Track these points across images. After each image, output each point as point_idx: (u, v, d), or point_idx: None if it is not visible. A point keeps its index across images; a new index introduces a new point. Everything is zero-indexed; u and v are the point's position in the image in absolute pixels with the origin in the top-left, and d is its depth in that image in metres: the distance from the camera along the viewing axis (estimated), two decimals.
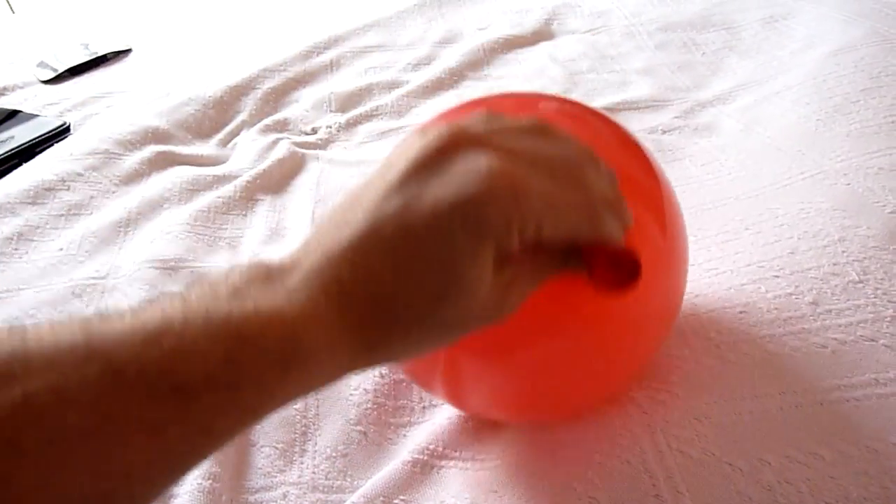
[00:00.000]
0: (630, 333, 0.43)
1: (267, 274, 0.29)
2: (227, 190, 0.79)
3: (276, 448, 0.51)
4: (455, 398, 0.48)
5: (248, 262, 0.29)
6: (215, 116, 0.94)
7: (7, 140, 0.93)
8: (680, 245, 0.45)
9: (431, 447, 0.49)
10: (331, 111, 0.95)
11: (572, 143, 0.34)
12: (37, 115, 1.00)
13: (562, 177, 0.31)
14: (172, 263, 0.67)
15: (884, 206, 0.60)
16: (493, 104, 0.50)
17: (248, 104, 0.96)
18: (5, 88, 1.13)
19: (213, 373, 0.25)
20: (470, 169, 0.29)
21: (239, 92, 0.97)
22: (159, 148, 0.86)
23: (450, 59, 1.03)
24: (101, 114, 1.01)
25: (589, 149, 0.34)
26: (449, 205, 0.28)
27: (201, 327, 0.25)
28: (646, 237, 0.41)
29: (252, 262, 0.29)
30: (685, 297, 0.56)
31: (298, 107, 0.96)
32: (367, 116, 0.93)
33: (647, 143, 0.79)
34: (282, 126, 0.92)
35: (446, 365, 0.42)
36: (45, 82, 1.15)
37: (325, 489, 0.48)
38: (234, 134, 0.92)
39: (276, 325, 0.26)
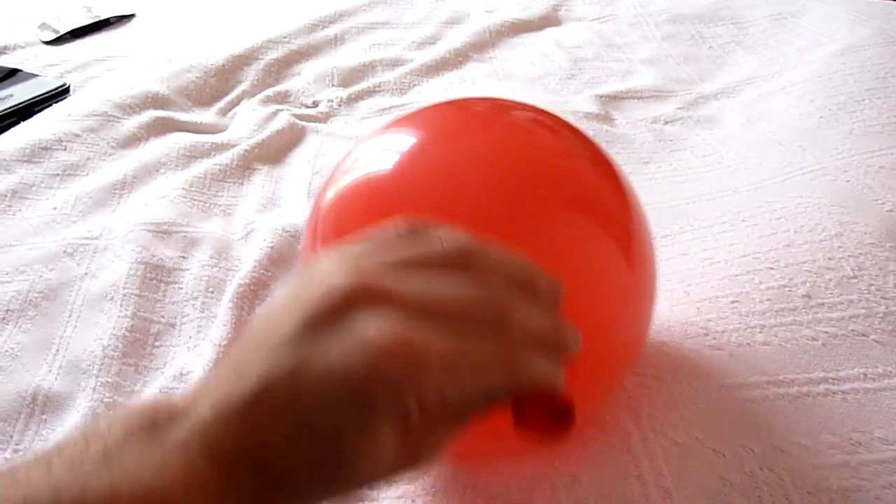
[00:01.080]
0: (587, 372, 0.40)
1: (153, 423, 0.27)
2: (224, 158, 0.78)
3: None
4: None
5: (140, 404, 0.27)
6: (216, 85, 0.93)
7: (6, 98, 0.93)
8: (647, 278, 0.41)
9: None
10: (333, 85, 0.94)
11: (500, 268, 0.30)
12: (37, 75, 1.00)
13: (474, 325, 0.28)
14: (166, 227, 0.67)
15: (882, 203, 0.60)
16: (464, 106, 0.47)
17: (250, 74, 0.95)
18: (6, 47, 1.12)
19: None
20: (358, 337, 0.26)
21: (241, 61, 0.97)
22: (158, 113, 0.85)
23: (455, 39, 1.03)
24: (102, 77, 1.01)
25: (523, 267, 0.30)
26: (336, 378, 0.26)
27: None
28: (611, 270, 0.38)
29: (144, 403, 0.27)
30: (677, 285, 0.56)
31: (300, 79, 0.96)
32: (369, 92, 0.93)
33: (649, 132, 0.79)
34: (283, 97, 0.92)
35: None
36: (47, 43, 1.14)
37: None
38: (235, 103, 0.92)
39: None
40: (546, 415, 0.29)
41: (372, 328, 0.26)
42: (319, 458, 0.26)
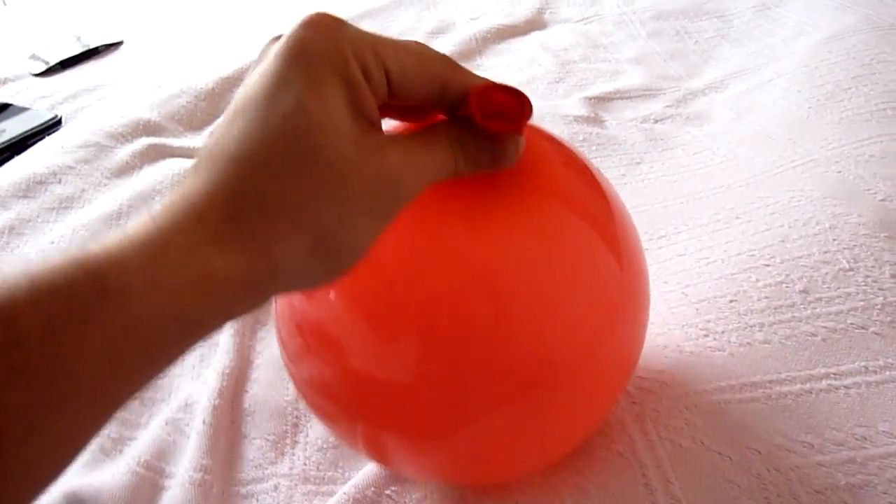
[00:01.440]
0: (579, 397, 0.39)
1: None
2: None
3: (268, 440, 0.51)
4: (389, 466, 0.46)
5: None
6: (207, 108, 0.94)
7: None
8: (640, 286, 0.40)
9: None
10: None
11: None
12: (28, 109, 1.00)
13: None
14: None
15: (875, 193, 0.60)
16: None
17: None
18: None
19: None
20: (284, 38, 0.27)
21: (231, 84, 0.97)
22: (151, 140, 0.86)
23: (442, 48, 1.02)
24: (93, 106, 1.01)
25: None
26: (271, 61, 0.27)
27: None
28: (601, 272, 0.37)
29: None
30: (675, 287, 0.57)
31: None
32: None
33: (640, 132, 0.79)
34: None
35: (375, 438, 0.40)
36: (37, 75, 1.14)
37: (317, 480, 0.48)
38: None
39: (72, 267, 0.23)
40: (502, 106, 0.31)
41: (294, 26, 0.27)
42: (285, 159, 0.26)
